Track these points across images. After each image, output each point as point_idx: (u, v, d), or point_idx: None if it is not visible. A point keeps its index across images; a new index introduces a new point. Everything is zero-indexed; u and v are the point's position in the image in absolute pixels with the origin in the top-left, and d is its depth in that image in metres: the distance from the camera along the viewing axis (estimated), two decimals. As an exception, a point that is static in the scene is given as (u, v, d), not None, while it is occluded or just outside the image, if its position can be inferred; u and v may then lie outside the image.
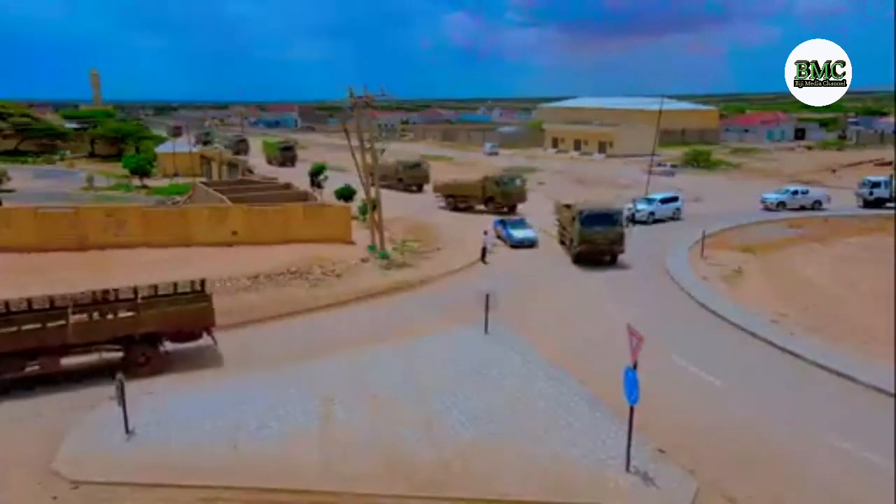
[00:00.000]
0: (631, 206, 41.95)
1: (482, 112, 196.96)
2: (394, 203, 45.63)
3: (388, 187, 54.82)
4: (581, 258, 30.55)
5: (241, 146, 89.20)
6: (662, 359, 18.52)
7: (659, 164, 72.02)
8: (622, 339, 13.83)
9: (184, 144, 73.08)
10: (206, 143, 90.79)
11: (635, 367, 13.11)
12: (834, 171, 67.44)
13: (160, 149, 74.37)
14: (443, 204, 47.90)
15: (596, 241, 29.94)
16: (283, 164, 75.50)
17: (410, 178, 55.49)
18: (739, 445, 14.64)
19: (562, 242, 34.66)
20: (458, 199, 46.93)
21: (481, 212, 44.63)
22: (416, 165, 57.27)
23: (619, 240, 30.27)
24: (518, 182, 46.33)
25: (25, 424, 15.54)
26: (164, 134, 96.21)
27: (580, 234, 30.03)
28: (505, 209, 44.28)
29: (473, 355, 19.53)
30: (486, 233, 33.07)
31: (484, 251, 31.74)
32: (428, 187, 54.02)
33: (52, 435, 14.77)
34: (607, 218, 30.24)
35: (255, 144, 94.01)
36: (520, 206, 45.19)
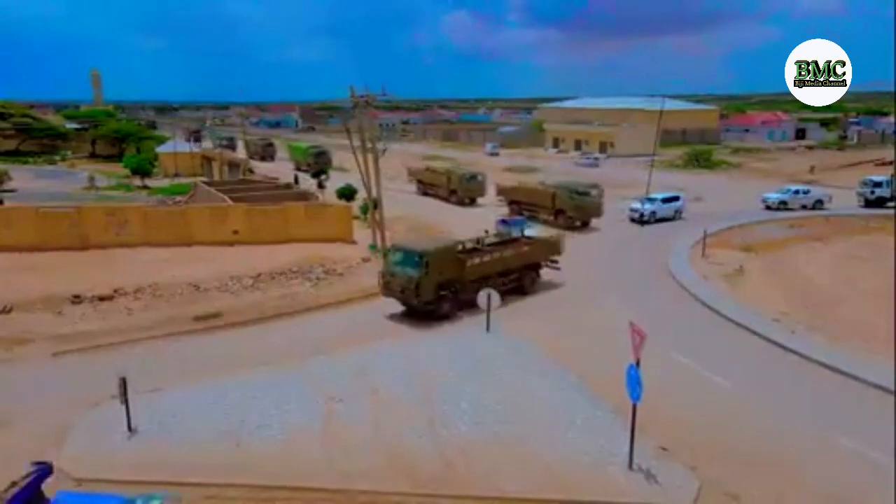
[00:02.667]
0: (638, 205, 41.99)
1: (483, 112, 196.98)
2: (442, 216, 43.48)
3: (434, 196, 52.05)
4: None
5: (267, 151, 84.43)
6: (664, 357, 18.53)
7: (585, 156, 79.25)
8: (624, 337, 13.83)
9: (187, 146, 72.53)
10: (227, 147, 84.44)
11: (638, 364, 13.12)
12: (811, 168, 68.82)
13: (161, 149, 74.40)
14: (503, 211, 43.53)
15: (389, 285, 23.48)
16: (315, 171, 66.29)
17: (466, 191, 50.31)
18: (741, 443, 14.64)
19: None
20: (522, 207, 42.78)
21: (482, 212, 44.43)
22: (473, 178, 51.68)
23: (413, 290, 22.47)
24: (594, 194, 40.65)
25: (28, 422, 15.57)
26: (178, 137, 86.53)
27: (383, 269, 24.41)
28: (578, 224, 39.78)
29: (475, 354, 19.51)
30: (486, 232, 32.90)
31: None
32: (482, 199, 50.16)
33: (55, 433, 14.79)
34: (407, 258, 23.03)
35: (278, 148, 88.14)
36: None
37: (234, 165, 61.74)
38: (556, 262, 27.62)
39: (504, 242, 27.31)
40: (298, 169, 69.15)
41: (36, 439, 14.67)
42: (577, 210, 39.81)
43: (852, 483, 13.18)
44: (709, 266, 30.31)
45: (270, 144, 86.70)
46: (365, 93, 30.92)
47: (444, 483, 13.06)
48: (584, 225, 40.02)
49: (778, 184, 54.24)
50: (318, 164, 67.54)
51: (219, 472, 13.41)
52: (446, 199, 50.75)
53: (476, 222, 37.80)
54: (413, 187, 55.19)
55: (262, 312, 23.78)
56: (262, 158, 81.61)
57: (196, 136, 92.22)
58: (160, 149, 74.54)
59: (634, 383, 12.97)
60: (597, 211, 40.40)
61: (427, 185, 54.07)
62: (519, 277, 26.00)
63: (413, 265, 22.66)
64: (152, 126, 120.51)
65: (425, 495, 12.77)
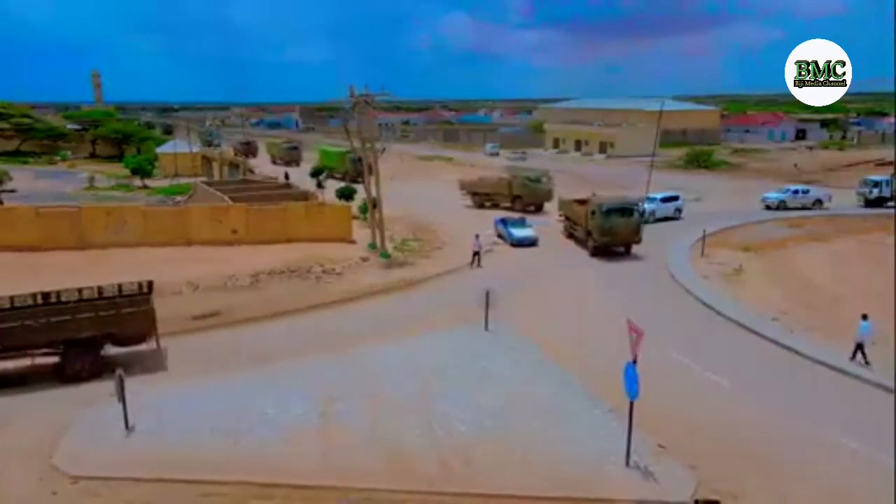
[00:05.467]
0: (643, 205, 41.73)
1: (483, 113, 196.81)
2: (445, 217, 40.65)
3: (494, 206, 45.67)
4: None
5: (292, 154, 75.96)
6: (662, 356, 18.53)
7: (513, 152, 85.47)
8: (622, 336, 13.82)
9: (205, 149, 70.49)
10: (247, 153, 79.81)
11: (635, 362, 13.11)
12: (796, 165, 70.83)
13: (161, 149, 74.39)
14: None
15: None
16: (354, 179, 55.03)
17: (530, 196, 44.40)
18: (740, 442, 14.63)
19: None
20: (570, 224, 37.14)
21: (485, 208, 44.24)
22: (537, 180, 45.34)
23: None
24: (636, 216, 32.52)
25: (25, 420, 15.57)
26: (193, 140, 79.48)
27: None
28: (622, 250, 32.73)
29: (473, 352, 19.53)
30: (477, 236, 31.57)
31: (477, 255, 30.84)
32: (549, 206, 44.13)
33: (53, 431, 14.80)
34: None
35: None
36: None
37: (234, 166, 61.76)
38: (141, 339, 18.60)
39: (38, 305, 18.17)
40: (332, 177, 58.99)
41: (34, 437, 14.69)
42: (604, 233, 31.83)
43: (851, 482, 13.16)
44: (708, 265, 30.29)
45: (296, 148, 78.40)
46: (364, 92, 30.94)
47: (442, 481, 13.06)
48: (627, 251, 32.57)
49: (778, 184, 54.21)
50: (358, 171, 57.97)
51: (216, 469, 13.41)
52: (509, 208, 44.44)
53: (480, 224, 37.67)
54: (464, 201, 48.58)
55: (261, 311, 23.77)
56: (287, 163, 72.91)
57: (213, 143, 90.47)
58: (160, 149, 74.50)
59: (632, 381, 12.97)
60: (635, 236, 32.21)
61: (483, 196, 47.46)
62: (64, 355, 17.88)
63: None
64: (168, 131, 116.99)
65: (423, 493, 12.76)
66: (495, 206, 46.02)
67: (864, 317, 18.70)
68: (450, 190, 51.03)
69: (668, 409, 15.68)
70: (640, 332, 13.06)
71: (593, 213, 32.37)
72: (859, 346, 18.56)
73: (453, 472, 13.42)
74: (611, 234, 31.97)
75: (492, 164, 76.86)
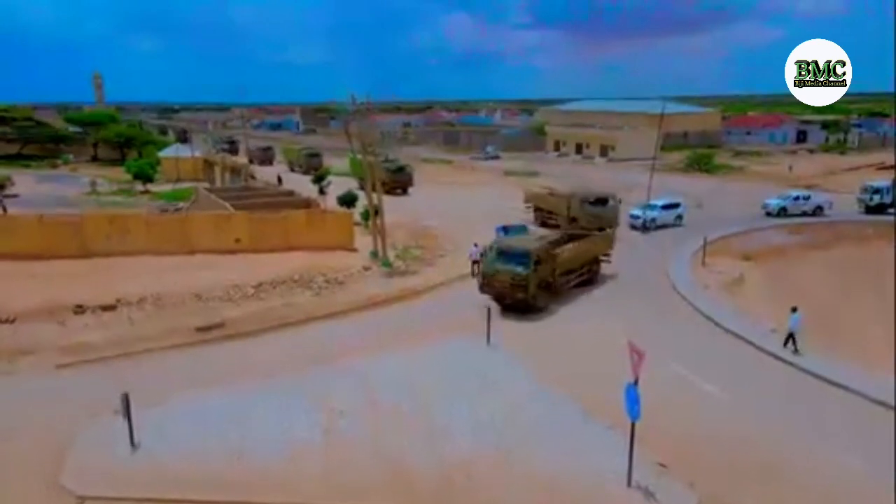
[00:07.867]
0: (638, 212, 41.85)
1: (484, 114, 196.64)
2: (446, 222, 40.05)
3: (556, 226, 39.11)
4: None
5: (312, 162, 71.58)
6: (662, 368, 18.60)
7: (478, 153, 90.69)
8: (622, 350, 13.87)
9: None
10: (264, 160, 77.96)
11: (636, 383, 13.20)
12: (790, 168, 72.15)
13: (163, 153, 74.52)
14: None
15: None
16: (392, 189, 51.33)
17: (590, 220, 37.12)
18: (740, 457, 14.71)
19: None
20: None
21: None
22: (602, 202, 39.21)
23: None
24: (535, 255, 25.17)
25: (31, 435, 15.66)
26: (208, 145, 78.10)
27: None
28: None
29: (475, 366, 19.62)
30: (476, 245, 31.01)
31: (476, 264, 30.22)
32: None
33: (58, 448, 14.88)
34: None
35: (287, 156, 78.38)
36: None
37: (235, 171, 61.85)
38: None
39: None
40: (363, 188, 50.52)
41: (39, 453, 14.79)
42: (483, 277, 25.35)
43: (852, 497, 13.26)
44: (709, 275, 30.37)
45: (318, 155, 74.55)
46: (366, 98, 31.03)
47: (444, 498, 13.16)
48: (530, 308, 24.64)
49: (779, 188, 54.25)
50: (398, 182, 55.32)
51: (221, 487, 13.52)
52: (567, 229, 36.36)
53: (482, 229, 37.65)
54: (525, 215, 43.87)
55: (265, 322, 23.88)
56: (306, 171, 68.20)
57: (232, 149, 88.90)
58: (162, 153, 74.63)
59: (633, 402, 13.05)
60: (520, 293, 24.06)
61: (546, 213, 42.60)
62: None
63: None
64: (183, 138, 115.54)
65: (425, 512, 12.87)
66: (558, 226, 38.91)
67: (794, 309, 20.60)
68: (458, 191, 50.36)
69: (668, 422, 15.73)
70: (641, 354, 13.14)
71: (489, 248, 26.85)
72: (791, 336, 20.60)
73: (455, 488, 13.53)
74: (490, 282, 24.56)
75: (495, 167, 77.03)
